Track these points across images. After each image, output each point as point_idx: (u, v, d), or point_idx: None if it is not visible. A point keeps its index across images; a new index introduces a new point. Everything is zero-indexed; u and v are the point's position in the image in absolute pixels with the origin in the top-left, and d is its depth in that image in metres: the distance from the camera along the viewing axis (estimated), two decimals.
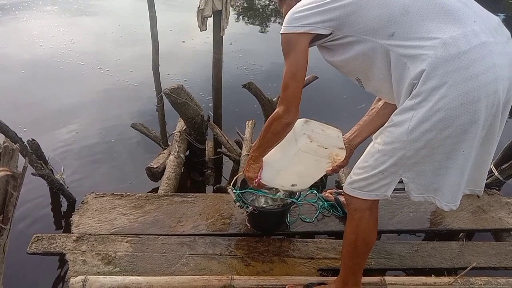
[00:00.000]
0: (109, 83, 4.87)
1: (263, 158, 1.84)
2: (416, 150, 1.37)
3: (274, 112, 1.59)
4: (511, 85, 1.33)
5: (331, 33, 1.45)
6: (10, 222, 1.24)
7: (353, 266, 1.68)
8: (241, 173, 2.08)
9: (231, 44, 5.72)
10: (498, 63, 1.27)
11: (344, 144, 1.87)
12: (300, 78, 1.51)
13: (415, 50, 1.31)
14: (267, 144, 1.72)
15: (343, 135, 1.93)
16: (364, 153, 1.58)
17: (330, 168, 1.86)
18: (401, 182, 1.48)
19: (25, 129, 3.61)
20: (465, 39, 1.27)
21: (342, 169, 2.89)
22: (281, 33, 1.50)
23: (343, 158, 1.82)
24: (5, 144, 1.19)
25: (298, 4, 1.50)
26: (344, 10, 1.39)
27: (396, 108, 1.45)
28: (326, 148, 1.76)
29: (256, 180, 1.90)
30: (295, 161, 1.81)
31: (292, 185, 2.01)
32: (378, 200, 1.57)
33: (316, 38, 1.49)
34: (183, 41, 6.06)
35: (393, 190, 1.51)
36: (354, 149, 1.97)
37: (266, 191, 2.11)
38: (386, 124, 1.48)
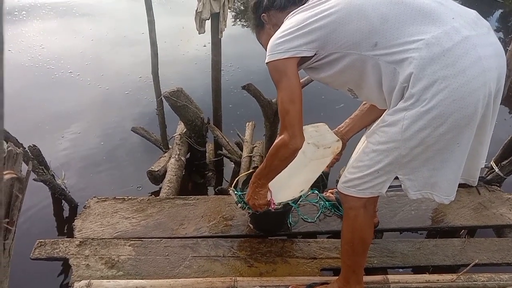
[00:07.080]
0: (80, 87, 4.83)
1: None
2: (411, 148, 1.38)
3: (279, 139, 1.55)
4: (500, 75, 1.34)
5: (315, 54, 1.45)
6: (15, 225, 1.24)
7: (353, 264, 1.68)
8: (242, 174, 2.09)
9: (205, 46, 5.48)
10: (483, 55, 1.28)
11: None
12: (298, 100, 1.48)
13: (400, 55, 1.32)
14: (274, 170, 1.68)
15: (334, 129, 1.98)
16: (358, 152, 1.58)
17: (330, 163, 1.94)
18: (397, 179, 1.49)
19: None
20: (447, 36, 1.28)
21: (342, 168, 2.93)
22: (267, 63, 1.47)
23: (340, 148, 1.88)
24: (9, 149, 1.20)
25: (278, 31, 1.49)
26: (325, 29, 1.39)
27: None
28: (329, 148, 1.81)
29: (272, 206, 1.88)
30: (305, 171, 1.84)
31: (301, 191, 2.03)
32: (373, 197, 1.57)
33: (300, 62, 1.48)
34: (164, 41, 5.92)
35: (391, 188, 1.52)
36: (346, 142, 1.99)
37: None
38: (379, 124, 1.48)
